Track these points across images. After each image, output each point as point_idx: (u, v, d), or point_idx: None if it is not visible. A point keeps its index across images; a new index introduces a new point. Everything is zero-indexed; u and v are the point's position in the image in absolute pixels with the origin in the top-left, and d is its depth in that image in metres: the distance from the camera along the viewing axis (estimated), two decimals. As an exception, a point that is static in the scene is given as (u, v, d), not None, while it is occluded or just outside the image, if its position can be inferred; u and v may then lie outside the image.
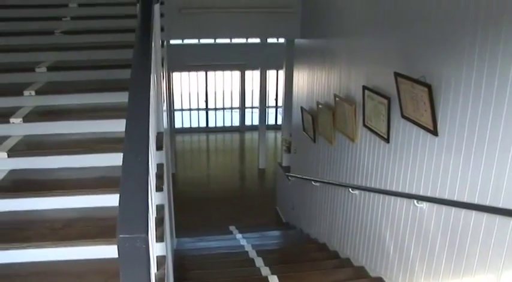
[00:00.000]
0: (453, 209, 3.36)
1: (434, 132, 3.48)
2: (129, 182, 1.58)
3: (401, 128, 4.03)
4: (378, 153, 4.56)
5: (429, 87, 3.41)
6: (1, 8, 5.71)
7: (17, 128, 3.53)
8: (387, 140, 4.27)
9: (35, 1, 5.83)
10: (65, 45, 4.84)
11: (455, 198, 3.33)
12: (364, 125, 4.76)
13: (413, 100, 3.66)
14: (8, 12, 5.61)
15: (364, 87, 4.65)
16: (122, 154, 1.70)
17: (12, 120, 3.51)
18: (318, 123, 6.38)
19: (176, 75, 14.01)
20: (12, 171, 3.21)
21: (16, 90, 3.89)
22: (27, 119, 3.55)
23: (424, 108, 3.52)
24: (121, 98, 3.34)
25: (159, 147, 3.09)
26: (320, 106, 6.19)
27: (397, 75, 3.86)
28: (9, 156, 3.20)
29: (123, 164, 1.65)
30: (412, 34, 3.84)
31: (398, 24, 4.08)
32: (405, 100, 3.81)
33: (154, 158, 2.65)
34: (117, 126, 3.33)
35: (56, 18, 5.41)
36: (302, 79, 7.49)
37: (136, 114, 1.93)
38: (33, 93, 3.84)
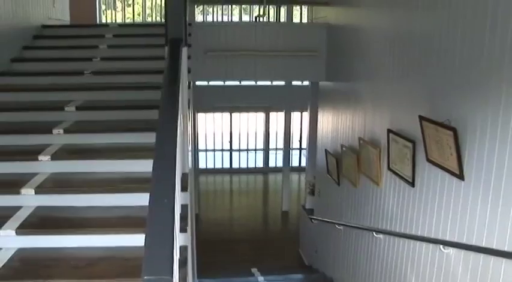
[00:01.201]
0: (481, 256, 3.29)
1: (460, 176, 3.45)
2: (155, 224, 1.61)
3: (426, 172, 4.00)
4: (402, 197, 4.51)
5: (454, 131, 3.40)
6: (35, 49, 5.90)
7: (45, 166, 3.60)
8: (412, 184, 4.23)
9: (66, 42, 6.02)
10: (94, 85, 4.96)
11: (483, 245, 3.26)
12: (389, 169, 4.73)
13: (439, 144, 3.64)
14: (41, 53, 5.80)
15: (389, 131, 4.65)
16: (147, 194, 1.72)
17: (40, 157, 3.59)
18: (342, 166, 6.36)
19: (201, 116, 14.15)
20: (38, 208, 3.25)
21: (45, 129, 3.99)
22: (55, 156, 3.62)
23: (450, 152, 3.49)
24: (148, 138, 3.39)
25: (184, 188, 3.11)
26: (344, 149, 6.18)
27: (421, 118, 3.86)
28: (36, 193, 3.26)
29: (149, 205, 1.67)
30: (436, 78, 3.85)
31: (423, 69, 4.10)
32: (430, 144, 3.79)
33: (179, 199, 2.67)
34: (143, 166, 3.37)
35: (86, 59, 5.56)
36: (326, 121, 7.51)
37: (164, 156, 1.96)
38: (61, 131, 3.93)
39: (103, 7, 11.16)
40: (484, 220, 3.25)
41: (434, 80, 3.89)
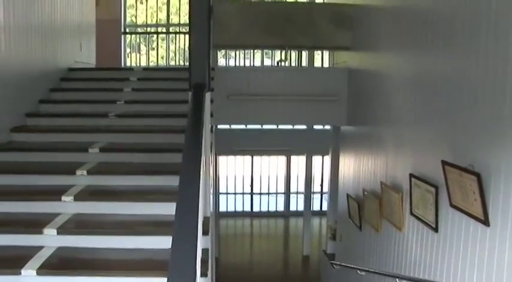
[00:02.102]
0: (508, 305, 3.20)
1: (485, 222, 3.39)
2: (177, 269, 1.62)
3: (450, 217, 3.94)
4: (426, 242, 4.43)
5: (478, 176, 3.36)
6: (62, 91, 6.04)
7: (68, 206, 3.64)
8: (436, 229, 4.16)
9: (91, 85, 6.16)
10: (118, 128, 5.04)
11: (510, 293, 3.18)
12: (412, 214, 4.66)
13: (462, 189, 3.60)
14: (68, 95, 5.93)
15: (411, 175, 4.61)
16: (168, 237, 1.73)
17: (63, 198, 3.63)
18: (364, 210, 6.29)
19: (222, 159, 14.19)
20: (60, 248, 3.27)
21: (69, 169, 4.05)
22: (78, 197, 3.66)
23: (474, 197, 3.45)
24: (170, 181, 3.42)
25: (205, 232, 3.11)
26: (366, 193, 6.13)
27: (444, 163, 3.83)
28: (58, 233, 3.29)
29: (172, 250, 1.69)
30: (459, 122, 3.84)
31: (445, 113, 4.09)
32: (453, 189, 3.75)
33: (200, 243, 2.67)
34: (165, 209, 3.39)
35: (111, 102, 5.67)
36: (348, 165, 7.48)
37: (187, 200, 1.98)
38: (85, 173, 3.99)
39: (128, 50, 11.43)
40: None
41: (457, 125, 3.88)
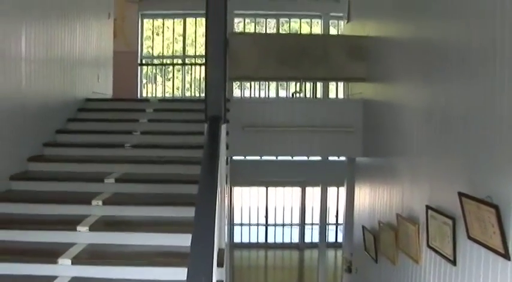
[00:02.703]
0: None
1: (505, 255, 3.32)
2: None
3: (468, 250, 3.87)
4: (443, 276, 4.36)
5: (496, 208, 3.32)
6: (79, 121, 6.11)
7: (83, 236, 3.65)
8: (454, 262, 4.10)
9: (108, 115, 6.23)
10: (134, 158, 5.08)
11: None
12: (429, 246, 4.60)
13: (480, 221, 3.55)
14: (85, 125, 6.00)
15: (428, 207, 4.56)
16: (183, 269, 1.73)
17: (79, 228, 3.65)
18: (380, 242, 6.22)
19: (237, 190, 14.17)
20: (74, 279, 3.27)
21: (85, 199, 4.08)
22: (93, 228, 3.68)
23: (493, 230, 3.39)
24: (186, 212, 3.43)
25: (219, 264, 3.09)
26: (382, 225, 6.07)
27: (461, 195, 3.79)
28: (73, 263, 3.29)
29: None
30: (475, 153, 3.81)
31: (461, 144, 4.06)
32: (471, 221, 3.70)
33: (215, 275, 2.65)
34: (180, 240, 3.39)
35: (127, 132, 5.72)
36: (363, 197, 7.43)
37: (202, 232, 1.98)
38: (100, 203, 4.01)
39: (144, 81, 11.58)
40: (531, 303, 3.10)
41: (473, 156, 3.85)
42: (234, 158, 9.30)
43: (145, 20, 11.75)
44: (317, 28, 12.09)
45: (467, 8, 4.00)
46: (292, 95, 9.08)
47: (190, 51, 11.95)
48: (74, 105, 6.42)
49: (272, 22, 12.31)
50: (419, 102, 5.09)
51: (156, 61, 12.05)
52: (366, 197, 7.23)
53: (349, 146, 7.53)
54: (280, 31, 12.18)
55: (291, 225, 15.02)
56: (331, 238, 14.32)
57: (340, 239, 12.91)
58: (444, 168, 4.39)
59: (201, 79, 11.30)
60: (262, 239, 15.01)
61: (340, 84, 10.47)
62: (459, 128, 4.12)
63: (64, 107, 6.07)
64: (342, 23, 10.84)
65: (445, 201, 4.28)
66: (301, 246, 14.76)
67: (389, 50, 6.23)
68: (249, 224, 14.96)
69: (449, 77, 4.33)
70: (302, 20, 12.29)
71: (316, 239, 13.25)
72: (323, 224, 11.80)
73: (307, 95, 10.14)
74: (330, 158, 11.77)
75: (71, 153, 5.27)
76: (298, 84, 8.33)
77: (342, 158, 10.26)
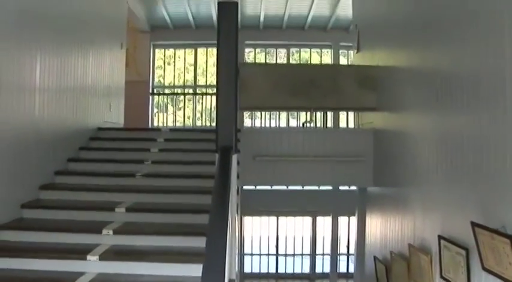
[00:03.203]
0: None
1: (520, 287, 3.28)
2: None
3: (483, 282, 3.82)
4: (457, 308, 4.29)
5: (511, 238, 3.28)
6: (90, 150, 6.15)
7: (93, 266, 3.64)
8: (468, 294, 4.04)
9: (119, 144, 6.27)
10: (145, 188, 5.09)
11: None
12: (442, 277, 4.54)
13: (495, 252, 3.50)
14: (96, 154, 6.04)
15: (440, 237, 4.51)
16: (194, 301, 1.72)
17: (89, 257, 3.64)
18: (391, 273, 6.14)
19: (248, 219, 14.10)
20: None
21: (95, 228, 4.08)
22: (103, 257, 3.67)
23: (508, 260, 3.35)
24: (196, 242, 3.41)
25: (230, 295, 3.06)
26: (394, 255, 6.00)
27: (474, 225, 3.75)
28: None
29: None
30: (488, 182, 3.78)
31: (474, 173, 4.03)
32: (485, 252, 3.65)
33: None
34: (191, 270, 3.37)
35: (138, 162, 5.74)
36: (375, 226, 7.37)
37: (213, 262, 1.97)
38: (111, 232, 4.01)
39: (155, 110, 11.67)
40: None
41: (486, 184, 3.82)
42: (245, 187, 9.30)
43: (157, 50, 11.93)
44: (327, 57, 12.19)
45: (476, 36, 4.03)
46: (303, 124, 9.10)
47: (201, 80, 12.07)
48: (85, 134, 6.47)
49: (282, 52, 12.42)
50: (431, 131, 5.08)
51: (167, 90, 12.16)
52: (378, 226, 7.17)
53: (360, 176, 7.49)
54: (291, 60, 12.30)
55: (302, 255, 14.86)
56: (342, 268, 14.14)
57: (351, 270, 12.74)
58: (456, 197, 4.36)
59: (212, 108, 11.38)
60: (272, 269, 14.84)
61: (351, 114, 10.48)
62: (471, 157, 4.10)
63: (76, 135, 6.12)
64: (351, 52, 10.91)
65: (458, 231, 4.23)
66: (312, 276, 14.58)
67: (399, 79, 6.25)
68: (260, 254, 14.83)
69: (460, 105, 4.33)
70: (312, 50, 12.40)
71: (327, 270, 13.10)
72: (334, 254, 11.70)
73: (318, 125, 10.15)
74: (341, 188, 11.73)
75: (82, 181, 5.29)
76: (308, 113, 8.34)
77: (353, 188, 10.22)
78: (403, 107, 6.11)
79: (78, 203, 4.71)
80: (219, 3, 3.08)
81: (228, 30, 3.08)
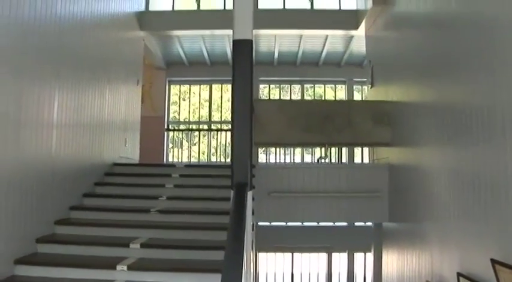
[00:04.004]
0: None
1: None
2: None
3: (503, 321, 3.72)
4: None
5: (531, 277, 3.21)
6: (105, 185, 6.18)
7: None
8: None
9: (134, 180, 6.29)
10: (160, 224, 5.09)
11: None
12: (461, 316, 4.44)
13: (515, 290, 3.43)
14: (111, 190, 6.06)
15: (459, 274, 4.43)
16: None
17: (102, 294, 3.61)
18: (409, 311, 6.03)
19: (262, 256, 13.96)
20: None
21: (110, 264, 4.08)
22: (117, 293, 3.64)
23: (528, 299, 3.28)
24: (212, 279, 3.39)
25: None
26: (411, 293, 5.90)
27: (494, 262, 3.68)
28: None
29: None
30: (508, 219, 3.72)
31: (492, 208, 3.99)
32: (505, 290, 3.58)
33: None
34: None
35: (153, 197, 5.76)
36: (391, 263, 7.26)
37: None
38: (125, 268, 4.00)
39: (170, 145, 11.73)
40: None
41: (505, 221, 3.76)
42: (260, 223, 9.26)
43: (172, 86, 12.05)
44: (341, 92, 12.22)
45: (489, 71, 4.03)
46: (318, 160, 9.09)
47: (216, 116, 12.14)
48: (101, 169, 6.51)
49: (297, 87, 12.49)
50: (446, 166, 5.04)
51: (182, 126, 12.24)
52: (394, 263, 7.07)
53: (375, 211, 7.44)
54: (305, 96, 12.34)
55: (317, 292, 14.66)
56: (358, 305, 13.93)
57: (368, 307, 12.53)
58: (475, 233, 4.29)
59: (227, 144, 11.41)
60: (287, 306, 14.65)
61: (366, 149, 10.45)
62: (488, 192, 4.06)
63: (92, 171, 6.16)
64: (365, 87, 10.95)
65: (477, 268, 4.16)
66: (328, 314, 14.35)
67: (413, 114, 6.25)
68: (274, 291, 14.64)
69: (475, 140, 4.30)
70: (326, 85, 12.45)
71: (343, 307, 12.89)
72: (350, 291, 11.50)
73: (333, 160, 10.14)
74: (357, 224, 11.63)
75: (98, 217, 5.31)
76: (323, 149, 8.34)
77: (369, 223, 10.13)
78: (418, 142, 6.09)
79: (93, 238, 4.71)
80: (234, 41, 3.12)
81: (243, 68, 3.11)
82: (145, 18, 9.13)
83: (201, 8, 9.93)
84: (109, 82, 6.90)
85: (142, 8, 9.22)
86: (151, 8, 9.65)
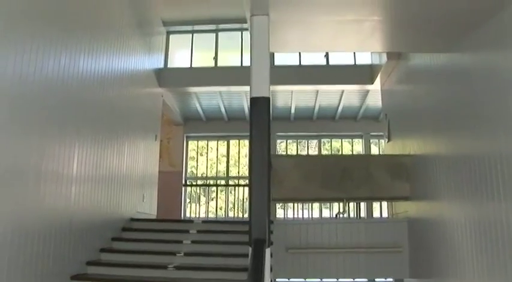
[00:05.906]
0: None
1: None
2: None
3: None
4: None
5: None
6: (123, 241, 6.17)
7: None
8: None
9: (152, 236, 6.28)
10: (177, 280, 5.03)
11: None
12: None
13: None
14: (128, 245, 6.04)
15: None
16: None
17: None
18: None
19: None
20: None
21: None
22: None
23: None
24: None
25: None
26: None
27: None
28: None
29: None
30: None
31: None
32: None
33: None
34: None
35: (170, 253, 5.72)
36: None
37: None
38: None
39: (187, 200, 11.71)
40: None
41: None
42: (278, 280, 9.11)
43: (190, 141, 12.15)
44: (358, 146, 12.22)
45: (507, 121, 4.01)
46: (336, 215, 9.01)
47: (233, 171, 12.15)
48: (118, 224, 6.52)
49: (314, 142, 12.52)
50: (468, 219, 4.96)
51: (199, 181, 12.26)
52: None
53: (395, 267, 7.28)
54: (322, 150, 12.36)
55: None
56: None
57: None
58: (502, 270, 4.16)
59: (244, 199, 11.37)
60: None
61: (384, 203, 10.34)
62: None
63: (109, 226, 6.16)
64: (382, 140, 10.94)
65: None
66: None
67: (431, 167, 6.21)
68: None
69: (496, 193, 4.24)
70: (343, 139, 12.47)
71: None
72: None
73: (351, 215, 10.03)
74: (377, 280, 11.36)
75: (115, 272, 5.27)
76: (341, 204, 8.27)
77: (389, 280, 9.91)
78: (438, 195, 6.02)
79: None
80: (251, 98, 3.17)
81: (260, 125, 3.15)
82: (164, 75, 9.34)
83: (218, 65, 10.11)
84: (128, 138, 6.99)
85: (161, 65, 9.45)
86: (170, 65, 9.87)
